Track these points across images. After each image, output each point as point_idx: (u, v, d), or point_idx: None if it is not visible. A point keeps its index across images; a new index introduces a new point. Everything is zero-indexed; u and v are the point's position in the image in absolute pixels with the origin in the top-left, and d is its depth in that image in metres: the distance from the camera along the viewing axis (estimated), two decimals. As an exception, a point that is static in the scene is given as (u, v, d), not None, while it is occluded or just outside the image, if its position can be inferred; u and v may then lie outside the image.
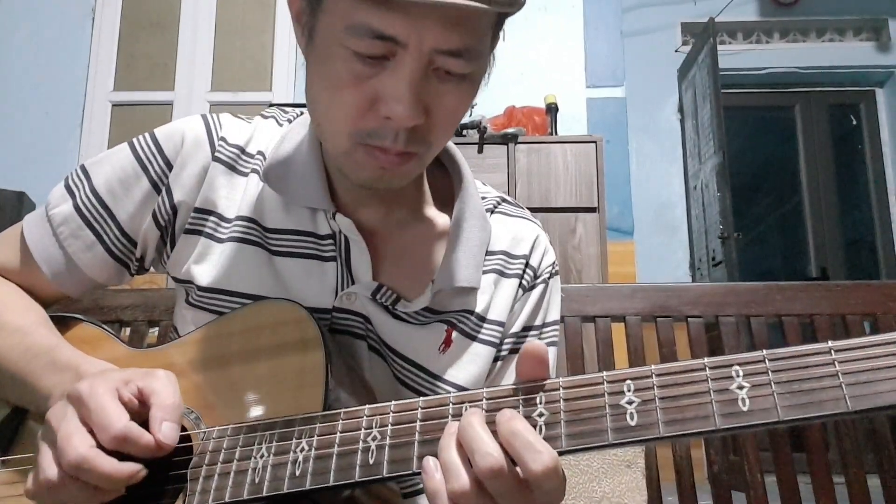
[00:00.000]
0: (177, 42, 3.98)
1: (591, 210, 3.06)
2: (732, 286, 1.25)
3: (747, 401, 0.46)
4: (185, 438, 0.60)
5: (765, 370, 0.46)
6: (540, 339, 0.79)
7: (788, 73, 4.05)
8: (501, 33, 0.66)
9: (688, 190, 3.89)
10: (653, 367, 0.50)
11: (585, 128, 3.79)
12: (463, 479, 0.48)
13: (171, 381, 0.59)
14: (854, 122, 4.24)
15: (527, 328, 0.78)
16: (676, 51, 4.01)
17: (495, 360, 0.77)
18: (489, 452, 0.47)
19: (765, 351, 0.47)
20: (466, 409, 0.52)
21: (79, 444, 0.53)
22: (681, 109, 3.97)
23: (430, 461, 0.50)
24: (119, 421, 0.53)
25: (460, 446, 0.49)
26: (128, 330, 1.23)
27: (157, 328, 1.25)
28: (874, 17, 4.04)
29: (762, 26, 4.07)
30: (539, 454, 0.47)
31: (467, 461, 0.49)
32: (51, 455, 0.54)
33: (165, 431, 0.55)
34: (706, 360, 0.48)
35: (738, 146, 4.19)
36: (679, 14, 4.03)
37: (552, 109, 3.46)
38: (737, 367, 0.47)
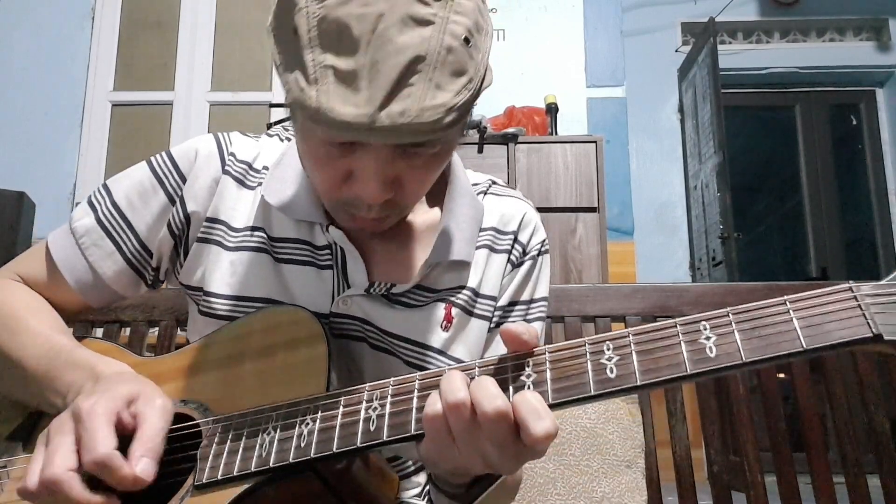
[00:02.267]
0: (176, 42, 3.98)
1: (592, 210, 3.06)
2: (733, 286, 1.25)
3: (714, 348, 0.51)
4: (194, 426, 0.63)
5: (729, 322, 0.52)
6: (528, 314, 0.82)
7: (789, 72, 4.05)
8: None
9: (688, 190, 3.89)
10: (630, 329, 0.55)
11: (585, 128, 3.79)
12: (462, 394, 0.51)
13: (164, 413, 0.59)
14: (854, 122, 4.24)
15: (513, 303, 0.81)
16: (677, 50, 4.01)
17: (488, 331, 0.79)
18: (497, 395, 0.50)
19: (729, 308, 0.53)
20: None
21: (59, 463, 0.55)
22: (681, 109, 3.97)
23: (433, 398, 0.53)
24: (103, 447, 0.54)
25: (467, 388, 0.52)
26: (127, 330, 1.23)
27: (156, 328, 1.25)
28: (874, 17, 4.04)
29: (762, 26, 4.07)
30: (542, 420, 0.49)
31: (470, 402, 0.51)
32: (40, 463, 0.56)
33: (142, 467, 0.55)
34: (678, 319, 0.54)
35: (738, 146, 4.18)
36: (679, 14, 4.03)
37: (552, 109, 3.46)
38: (704, 323, 0.53)
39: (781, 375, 1.31)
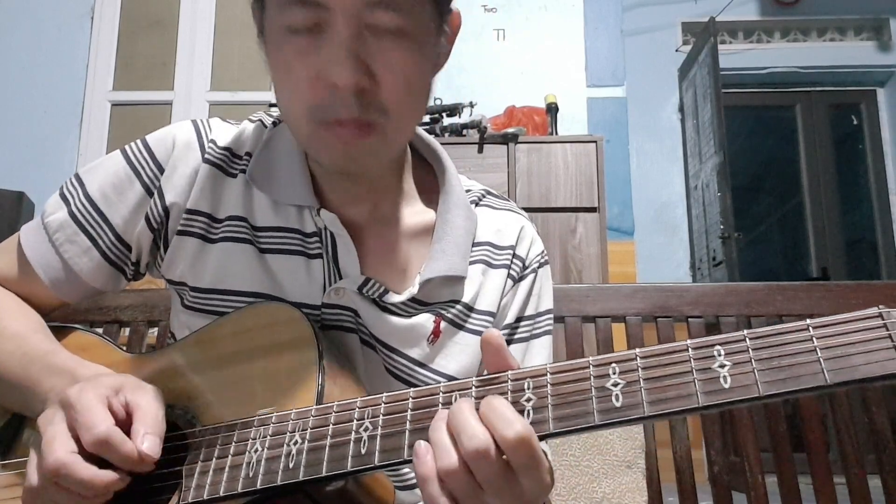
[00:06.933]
0: (176, 42, 3.98)
1: (592, 210, 3.06)
2: (733, 286, 1.24)
3: (728, 378, 0.47)
4: (181, 437, 0.61)
5: (745, 349, 0.48)
6: (535, 328, 0.80)
7: (789, 72, 4.04)
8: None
9: (688, 190, 3.88)
10: (637, 350, 0.51)
11: (586, 127, 3.79)
12: (452, 458, 0.49)
13: (157, 398, 0.60)
14: (855, 122, 4.23)
15: (520, 318, 0.79)
16: (677, 50, 4.00)
17: None
18: (475, 434, 0.48)
19: (746, 331, 0.48)
20: (456, 398, 0.53)
21: (58, 449, 0.53)
22: (681, 109, 3.96)
23: (421, 445, 0.51)
24: (102, 423, 0.54)
25: (450, 429, 0.50)
26: (127, 330, 1.23)
27: (156, 328, 1.24)
28: (875, 17, 4.04)
29: (763, 26, 4.06)
30: (511, 423, 0.48)
31: (456, 443, 0.50)
32: (35, 460, 0.55)
33: (148, 444, 0.55)
34: (689, 341, 0.50)
35: (738, 146, 4.18)
36: (680, 13, 4.02)
37: (552, 109, 3.45)
38: (718, 347, 0.48)
39: (782, 375, 1.30)
